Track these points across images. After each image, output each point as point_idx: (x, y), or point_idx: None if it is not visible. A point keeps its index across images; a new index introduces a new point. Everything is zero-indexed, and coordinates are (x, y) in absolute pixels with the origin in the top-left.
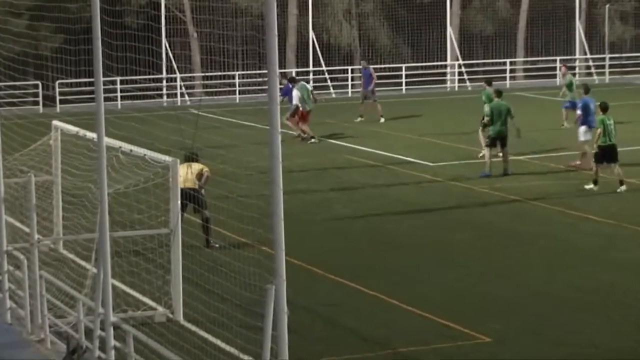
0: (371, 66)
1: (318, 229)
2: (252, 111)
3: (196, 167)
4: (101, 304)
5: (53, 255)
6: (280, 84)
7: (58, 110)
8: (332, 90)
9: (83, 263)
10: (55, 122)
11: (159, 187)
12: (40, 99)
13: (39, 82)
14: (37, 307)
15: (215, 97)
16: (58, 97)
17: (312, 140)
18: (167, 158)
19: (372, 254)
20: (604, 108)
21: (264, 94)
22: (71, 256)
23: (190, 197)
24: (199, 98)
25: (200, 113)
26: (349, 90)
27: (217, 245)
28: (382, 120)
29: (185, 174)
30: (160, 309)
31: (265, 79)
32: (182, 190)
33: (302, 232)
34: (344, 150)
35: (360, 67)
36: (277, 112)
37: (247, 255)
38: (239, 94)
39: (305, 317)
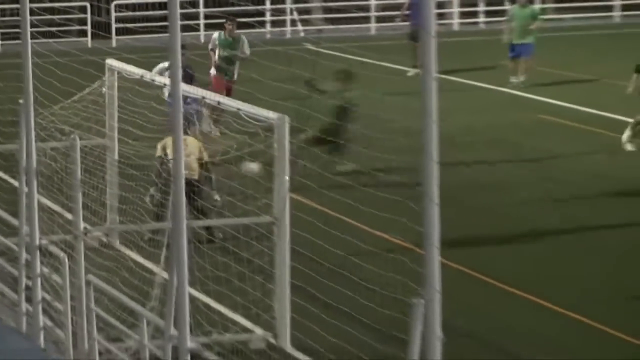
0: None
1: (488, 220)
2: (394, 47)
3: (192, 145)
4: (174, 323)
5: (106, 253)
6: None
7: (114, 43)
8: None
9: (148, 264)
10: (110, 61)
11: (258, 155)
12: (88, 27)
13: (87, 4)
14: (83, 327)
15: (342, 27)
16: (114, 25)
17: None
18: (271, 114)
19: (567, 257)
20: None
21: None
22: (132, 254)
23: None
24: (319, 27)
25: (319, 50)
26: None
27: (221, 236)
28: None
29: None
30: (258, 331)
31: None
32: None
33: (466, 223)
34: (534, 106)
35: None
36: (432, 47)
37: (384, 256)
38: (376, 21)
39: (468, 344)
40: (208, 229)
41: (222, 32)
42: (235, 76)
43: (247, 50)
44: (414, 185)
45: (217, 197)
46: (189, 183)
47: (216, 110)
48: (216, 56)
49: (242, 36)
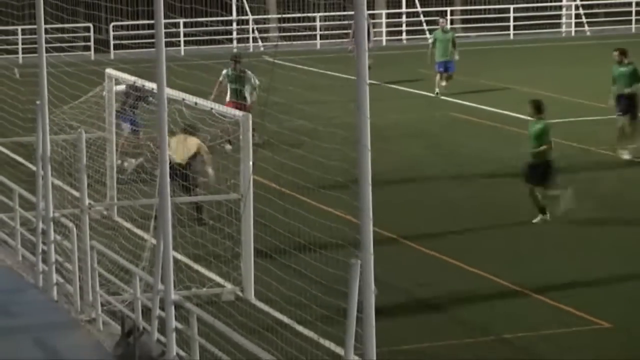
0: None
1: (413, 196)
2: (336, 59)
3: (192, 143)
4: (161, 279)
5: (106, 224)
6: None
7: (112, 56)
8: (428, 35)
9: (140, 232)
10: (108, 71)
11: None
12: (91, 43)
13: (90, 25)
14: (88, 283)
15: (294, 43)
16: (112, 42)
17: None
18: (237, 112)
19: (475, 226)
20: None
21: (348, 39)
22: (127, 225)
23: (180, 174)
24: (275, 44)
25: (276, 61)
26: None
27: (210, 223)
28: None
29: (176, 148)
30: (228, 285)
31: (351, 22)
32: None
33: (394, 199)
34: (447, 106)
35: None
36: (365, 58)
37: (329, 225)
38: (320, 38)
39: (395, 297)
40: (198, 210)
41: (230, 69)
42: (249, 100)
43: (256, 81)
44: (351, 168)
45: (210, 170)
46: (179, 167)
47: (224, 131)
48: (227, 90)
49: (247, 71)
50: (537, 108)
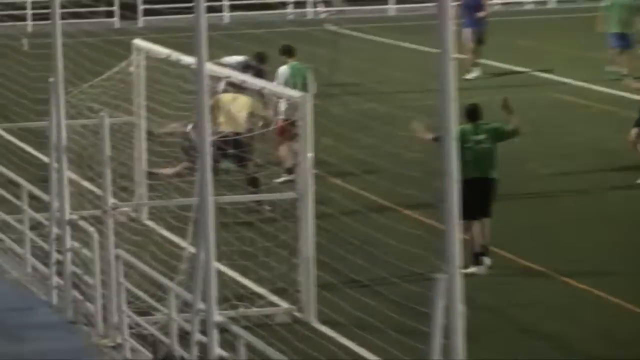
0: None
1: (507, 197)
2: (413, 28)
3: (243, 102)
4: (201, 297)
5: (134, 228)
6: None
7: (141, 24)
8: None
9: (176, 239)
10: (137, 42)
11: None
12: (116, 8)
13: None
14: (112, 300)
15: (362, 8)
16: (141, 6)
17: None
18: (295, 93)
19: (584, 235)
20: None
21: (431, 3)
22: (159, 229)
23: (234, 144)
24: (339, 8)
25: (339, 30)
26: None
27: (268, 208)
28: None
29: (228, 109)
30: (283, 305)
31: None
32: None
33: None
34: (552, 86)
35: None
36: (448, 27)
37: (406, 231)
38: (396, 2)
39: (488, 319)
40: (252, 183)
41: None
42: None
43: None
44: (434, 163)
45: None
46: (232, 136)
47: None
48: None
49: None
50: None
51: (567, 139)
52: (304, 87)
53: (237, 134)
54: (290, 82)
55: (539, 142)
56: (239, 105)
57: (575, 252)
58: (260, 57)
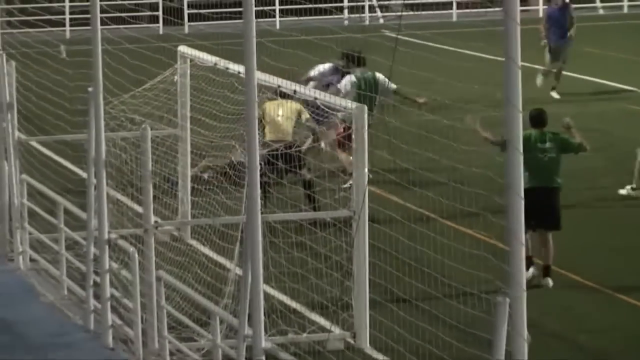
0: None
1: (577, 212)
2: (477, 34)
3: (292, 107)
4: (248, 321)
5: (177, 248)
6: None
7: (186, 30)
8: None
9: (221, 260)
10: (182, 48)
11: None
12: (160, 13)
13: None
14: (153, 325)
15: (422, 13)
16: (187, 11)
17: None
18: (350, 104)
19: None
20: None
21: (496, 9)
22: (204, 249)
23: (283, 155)
24: (397, 14)
25: (399, 36)
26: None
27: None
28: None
29: (274, 117)
30: (336, 330)
31: None
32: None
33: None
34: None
35: None
36: (517, 34)
37: (466, 251)
38: (457, 8)
39: (556, 346)
40: (311, 200)
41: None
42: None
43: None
44: (496, 179)
45: (304, 171)
46: (280, 147)
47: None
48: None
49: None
50: None
51: None
52: (371, 100)
53: (285, 144)
54: (354, 93)
55: (609, 157)
56: (285, 112)
57: None
58: (351, 59)
